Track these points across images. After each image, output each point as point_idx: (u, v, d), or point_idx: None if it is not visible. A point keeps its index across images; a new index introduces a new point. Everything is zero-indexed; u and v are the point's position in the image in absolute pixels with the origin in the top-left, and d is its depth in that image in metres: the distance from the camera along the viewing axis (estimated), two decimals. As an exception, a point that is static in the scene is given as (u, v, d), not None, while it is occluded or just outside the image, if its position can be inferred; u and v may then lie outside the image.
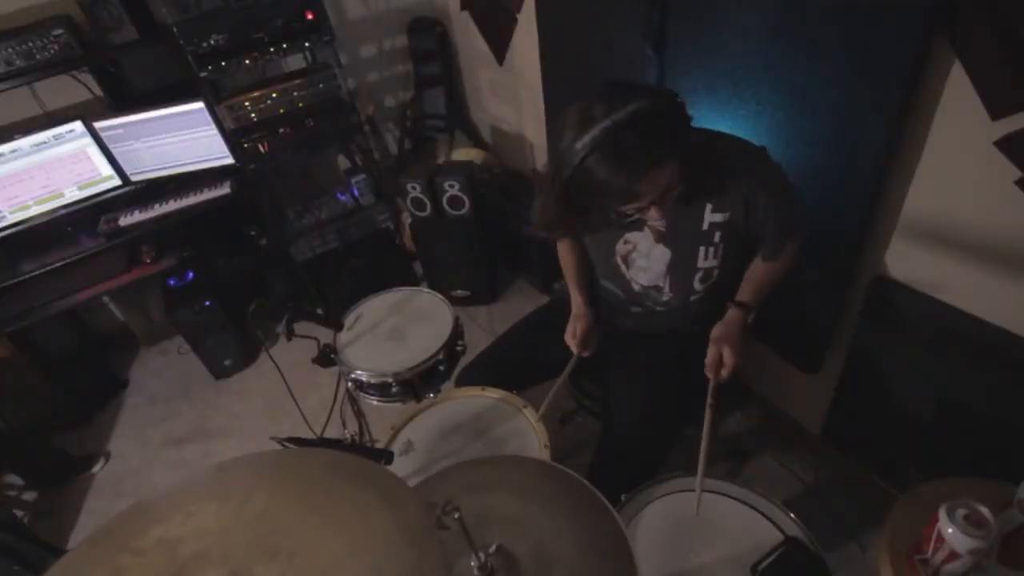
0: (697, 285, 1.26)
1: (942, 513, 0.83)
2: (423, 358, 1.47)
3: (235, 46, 2.05)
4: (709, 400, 1.15)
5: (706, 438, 1.11)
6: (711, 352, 1.17)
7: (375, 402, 1.52)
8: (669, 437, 1.29)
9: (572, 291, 1.42)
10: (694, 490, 1.08)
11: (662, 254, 1.23)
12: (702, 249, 1.20)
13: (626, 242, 1.26)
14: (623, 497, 1.08)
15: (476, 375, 1.42)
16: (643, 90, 0.95)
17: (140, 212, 2.31)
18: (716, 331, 1.20)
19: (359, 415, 1.63)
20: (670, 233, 1.20)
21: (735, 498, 1.06)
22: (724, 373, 1.16)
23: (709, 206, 1.15)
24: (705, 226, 1.17)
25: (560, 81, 2.12)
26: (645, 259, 1.26)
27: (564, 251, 1.45)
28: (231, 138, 2.23)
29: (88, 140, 2.17)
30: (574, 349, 1.33)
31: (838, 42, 1.16)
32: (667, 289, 1.28)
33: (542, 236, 1.29)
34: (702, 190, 1.12)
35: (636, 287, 1.32)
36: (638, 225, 1.22)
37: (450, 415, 1.31)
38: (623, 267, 1.30)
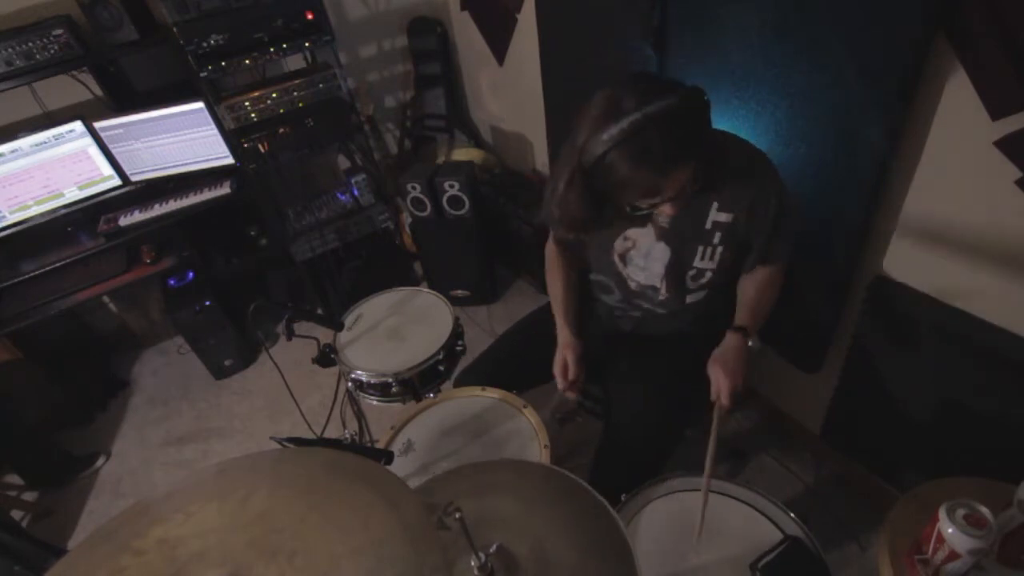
0: (690, 283, 1.25)
1: (942, 513, 0.83)
2: (423, 358, 1.47)
3: (235, 46, 2.05)
4: (712, 430, 1.10)
5: (708, 470, 1.05)
6: (711, 378, 1.16)
7: (375, 402, 1.52)
8: (670, 438, 1.28)
9: (559, 319, 1.35)
10: (694, 490, 1.08)
11: (662, 252, 1.23)
12: (700, 248, 1.19)
13: (625, 239, 1.25)
14: (623, 497, 1.08)
15: (475, 378, 1.41)
16: (672, 85, 0.93)
17: (140, 212, 2.31)
18: (713, 356, 1.18)
19: (359, 415, 1.63)
20: (672, 230, 1.20)
21: (735, 498, 1.06)
22: (723, 400, 1.13)
23: (715, 204, 1.15)
24: (708, 225, 1.16)
25: (560, 81, 2.12)
26: (644, 258, 1.25)
27: (552, 273, 1.41)
28: (231, 138, 2.23)
29: (88, 140, 2.17)
30: (560, 383, 1.29)
31: (838, 42, 1.16)
32: (663, 290, 1.27)
33: (555, 230, 1.23)
34: (710, 186, 1.12)
35: (633, 285, 1.31)
36: (642, 221, 1.22)
37: (450, 415, 1.31)
38: (619, 264, 1.30)
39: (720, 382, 1.13)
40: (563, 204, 1.05)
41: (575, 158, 0.98)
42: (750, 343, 1.19)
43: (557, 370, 1.30)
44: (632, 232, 1.24)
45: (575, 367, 1.29)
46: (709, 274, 1.23)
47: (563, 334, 1.34)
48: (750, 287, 1.24)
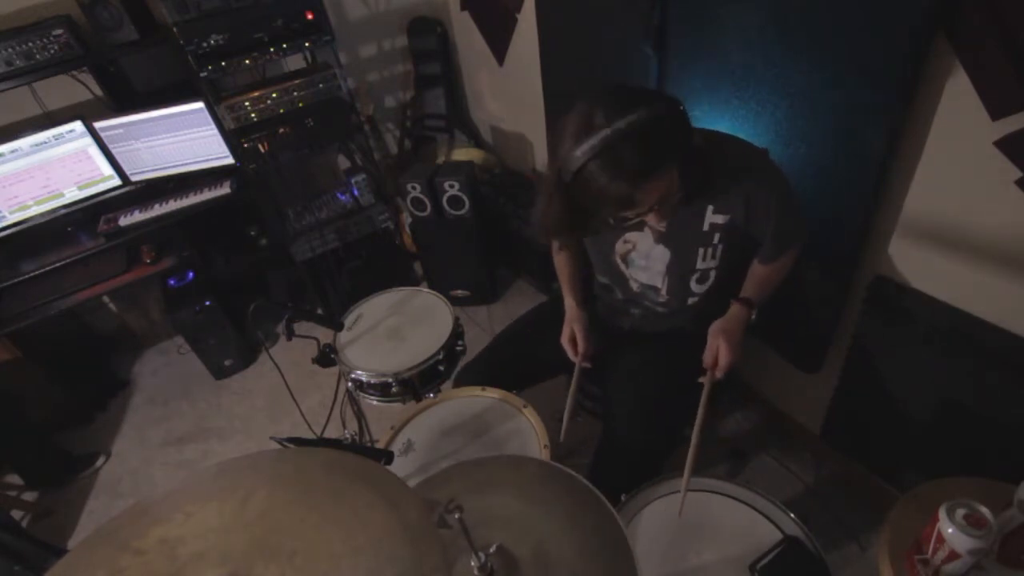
0: (694, 286, 1.25)
1: (942, 513, 0.83)
2: (423, 358, 1.47)
3: (235, 46, 2.05)
4: (703, 398, 1.14)
5: (695, 440, 1.09)
6: (709, 346, 1.17)
7: (375, 402, 1.53)
8: (669, 437, 1.28)
9: (565, 294, 1.40)
10: (693, 490, 1.08)
11: (662, 254, 1.23)
12: (701, 250, 1.20)
13: (625, 241, 1.26)
14: (623, 497, 1.08)
15: (474, 376, 1.41)
16: (645, 96, 0.94)
17: (140, 212, 2.31)
18: (715, 325, 1.19)
19: (359, 415, 1.63)
20: (670, 233, 1.20)
21: (735, 498, 1.06)
22: (718, 373, 1.15)
23: (711, 207, 1.15)
24: (706, 227, 1.17)
25: (560, 81, 2.12)
26: (644, 259, 1.26)
27: (558, 255, 1.45)
28: (231, 138, 2.23)
29: (88, 140, 2.17)
30: (570, 353, 1.32)
31: (838, 42, 1.16)
32: (664, 291, 1.28)
33: (542, 241, 1.28)
34: (703, 191, 1.12)
35: (635, 285, 1.32)
36: (638, 225, 1.22)
37: (450, 415, 1.31)
38: (622, 266, 1.30)
39: (722, 353, 1.15)
40: (548, 217, 1.09)
41: (556, 173, 1.00)
42: (752, 317, 1.20)
43: (565, 343, 1.32)
44: (631, 236, 1.25)
45: (583, 339, 1.31)
46: (714, 274, 1.23)
47: (569, 307, 1.37)
48: (761, 266, 1.24)
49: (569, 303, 1.38)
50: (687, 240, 1.19)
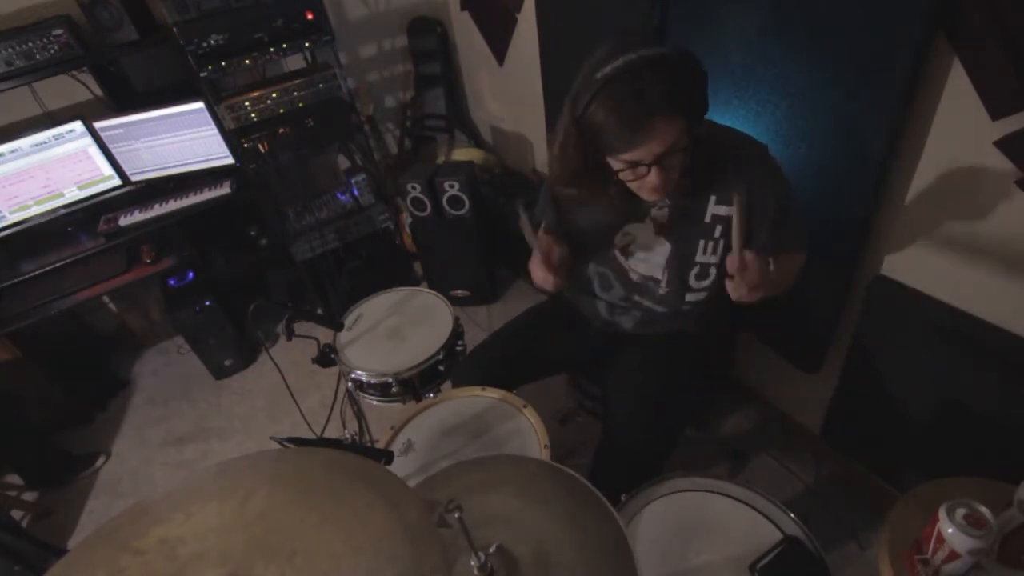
0: (693, 282, 1.25)
1: (942, 513, 0.83)
2: (423, 358, 1.47)
3: (235, 46, 2.05)
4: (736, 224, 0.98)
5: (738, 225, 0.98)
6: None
7: (375, 402, 1.53)
8: (669, 437, 1.28)
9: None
10: (693, 490, 1.08)
11: (662, 247, 1.23)
12: (702, 243, 1.19)
13: (625, 234, 1.26)
14: (623, 497, 1.08)
15: (471, 372, 1.41)
16: (672, 45, 0.97)
17: (140, 212, 2.31)
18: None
19: (359, 415, 1.63)
20: (671, 225, 1.20)
21: (735, 498, 1.06)
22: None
23: (713, 198, 1.15)
24: (708, 218, 1.16)
25: (560, 81, 2.12)
26: (645, 251, 1.26)
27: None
28: (231, 138, 2.23)
29: (88, 140, 2.17)
30: (540, 262, 1.23)
31: (838, 42, 1.16)
32: (664, 283, 1.27)
33: (553, 189, 1.22)
34: (707, 180, 1.12)
35: (634, 276, 1.31)
36: (640, 216, 1.22)
37: (450, 415, 1.31)
38: (621, 257, 1.30)
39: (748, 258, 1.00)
40: (558, 159, 1.08)
41: (570, 110, 1.00)
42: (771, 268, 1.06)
43: (534, 265, 1.25)
44: (631, 227, 1.24)
45: (557, 247, 1.26)
46: (713, 271, 1.22)
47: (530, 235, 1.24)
48: None
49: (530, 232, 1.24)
50: (689, 232, 1.19)
